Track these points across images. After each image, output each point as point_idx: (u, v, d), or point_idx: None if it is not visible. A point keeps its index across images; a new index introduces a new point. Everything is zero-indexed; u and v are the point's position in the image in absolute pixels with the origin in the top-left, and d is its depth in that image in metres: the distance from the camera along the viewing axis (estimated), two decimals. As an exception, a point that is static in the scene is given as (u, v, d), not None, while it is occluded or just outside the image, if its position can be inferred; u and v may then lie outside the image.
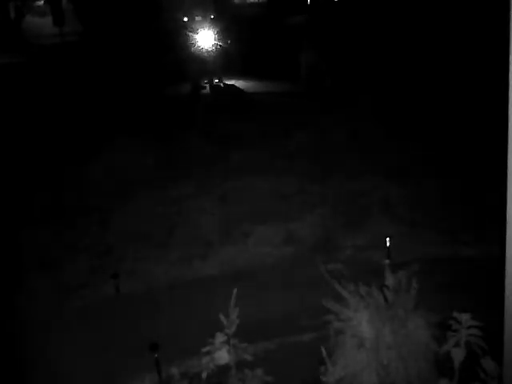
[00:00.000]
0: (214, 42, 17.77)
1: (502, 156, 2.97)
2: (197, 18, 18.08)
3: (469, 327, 3.59)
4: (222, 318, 3.86)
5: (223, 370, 3.91)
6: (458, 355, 3.60)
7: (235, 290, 3.92)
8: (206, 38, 17.72)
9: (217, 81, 17.86)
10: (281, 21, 22.95)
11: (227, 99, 16.03)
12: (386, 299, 3.89)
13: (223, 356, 3.84)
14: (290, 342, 5.18)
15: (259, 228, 7.82)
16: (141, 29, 19.03)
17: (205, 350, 3.85)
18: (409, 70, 14.77)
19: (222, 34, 17.86)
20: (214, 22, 17.92)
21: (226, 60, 17.85)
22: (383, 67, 15.41)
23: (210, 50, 17.67)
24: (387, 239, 5.94)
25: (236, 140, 11.74)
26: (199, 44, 17.70)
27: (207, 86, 17.60)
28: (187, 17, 18.39)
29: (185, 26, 18.14)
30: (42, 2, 30.87)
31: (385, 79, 14.71)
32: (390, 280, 4.00)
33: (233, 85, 17.55)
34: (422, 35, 15.55)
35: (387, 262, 4.65)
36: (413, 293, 3.92)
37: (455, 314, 3.66)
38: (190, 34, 17.70)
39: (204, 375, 3.87)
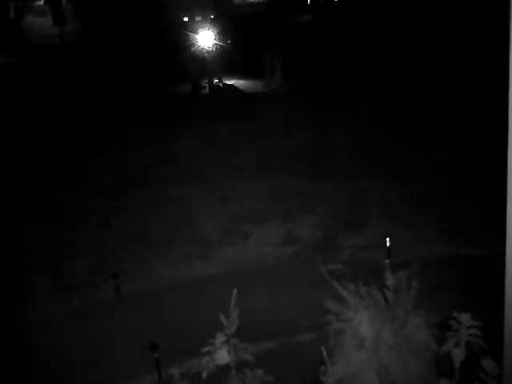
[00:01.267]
0: (214, 42, 17.77)
1: (502, 156, 2.97)
2: (197, 18, 18.07)
3: (469, 327, 3.58)
4: (221, 318, 3.86)
5: (223, 370, 3.91)
6: (458, 355, 3.60)
7: (235, 290, 3.92)
8: (206, 38, 17.72)
9: (217, 81, 17.87)
10: (281, 20, 22.96)
11: (227, 99, 16.06)
12: (386, 299, 3.89)
13: (223, 356, 3.84)
14: (290, 341, 5.17)
15: (259, 228, 7.82)
16: (141, 29, 19.03)
17: (205, 350, 3.85)
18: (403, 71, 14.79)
19: (222, 34, 17.86)
20: (214, 22, 17.92)
21: (225, 60, 17.86)
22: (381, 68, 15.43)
23: (210, 50, 17.67)
24: (387, 239, 5.92)
25: (235, 140, 11.75)
26: (199, 44, 17.70)
27: (207, 85, 17.61)
28: (187, 17, 18.39)
29: (185, 26, 18.14)
30: (42, 1, 30.87)
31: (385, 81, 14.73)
32: (389, 280, 3.99)
33: (232, 85, 17.58)
34: (417, 35, 15.56)
35: (387, 261, 4.64)
36: (413, 293, 3.91)
37: (455, 314, 3.66)
38: (191, 34, 17.70)
39: (204, 375, 3.87)
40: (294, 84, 16.79)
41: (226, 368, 3.91)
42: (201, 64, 17.51)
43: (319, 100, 14.65)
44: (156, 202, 8.92)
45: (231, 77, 18.05)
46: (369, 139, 11.19)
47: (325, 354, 3.82)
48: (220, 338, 3.83)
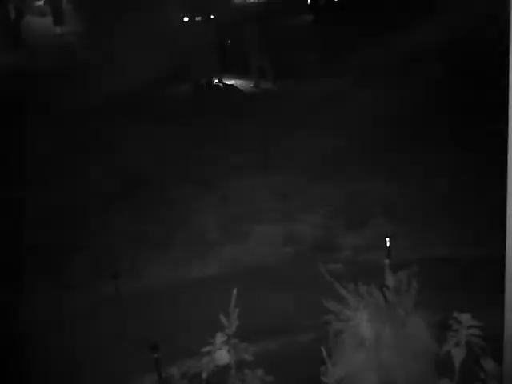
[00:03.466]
0: (213, 42, 17.77)
1: (501, 156, 2.97)
2: (197, 18, 18.08)
3: (469, 327, 3.59)
4: (221, 318, 3.86)
5: (223, 370, 3.91)
6: (458, 355, 3.60)
7: (235, 290, 3.92)
8: (206, 38, 17.71)
9: (217, 81, 17.87)
10: (280, 21, 22.92)
11: (227, 99, 16.08)
12: (385, 299, 3.89)
13: (223, 356, 3.84)
14: (290, 341, 5.17)
15: (259, 228, 7.82)
16: (141, 29, 19.02)
17: (205, 349, 3.85)
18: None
19: (222, 33, 17.87)
20: (214, 22, 17.92)
21: (225, 60, 17.86)
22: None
23: (209, 49, 17.66)
24: (387, 239, 5.91)
25: (235, 140, 11.75)
26: (199, 44, 17.69)
27: (207, 85, 17.62)
28: (188, 17, 18.39)
29: (185, 26, 18.14)
30: (42, 2, 30.85)
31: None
32: (389, 280, 4.00)
33: (232, 85, 17.59)
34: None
35: (387, 261, 4.65)
36: (413, 293, 3.92)
37: (455, 314, 3.66)
38: (191, 34, 17.69)
39: (204, 375, 3.87)
40: (288, 85, 16.77)
41: (226, 368, 3.91)
42: (201, 64, 17.50)
43: (316, 99, 14.63)
44: (156, 202, 8.92)
45: (231, 77, 18.05)
46: (369, 139, 11.17)
47: (325, 353, 3.83)
48: (220, 337, 3.83)
